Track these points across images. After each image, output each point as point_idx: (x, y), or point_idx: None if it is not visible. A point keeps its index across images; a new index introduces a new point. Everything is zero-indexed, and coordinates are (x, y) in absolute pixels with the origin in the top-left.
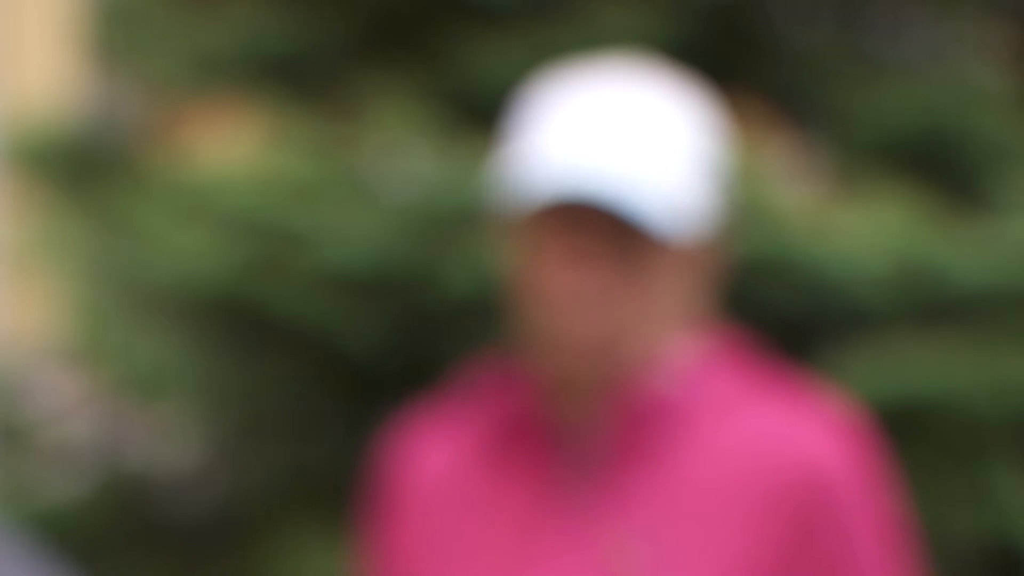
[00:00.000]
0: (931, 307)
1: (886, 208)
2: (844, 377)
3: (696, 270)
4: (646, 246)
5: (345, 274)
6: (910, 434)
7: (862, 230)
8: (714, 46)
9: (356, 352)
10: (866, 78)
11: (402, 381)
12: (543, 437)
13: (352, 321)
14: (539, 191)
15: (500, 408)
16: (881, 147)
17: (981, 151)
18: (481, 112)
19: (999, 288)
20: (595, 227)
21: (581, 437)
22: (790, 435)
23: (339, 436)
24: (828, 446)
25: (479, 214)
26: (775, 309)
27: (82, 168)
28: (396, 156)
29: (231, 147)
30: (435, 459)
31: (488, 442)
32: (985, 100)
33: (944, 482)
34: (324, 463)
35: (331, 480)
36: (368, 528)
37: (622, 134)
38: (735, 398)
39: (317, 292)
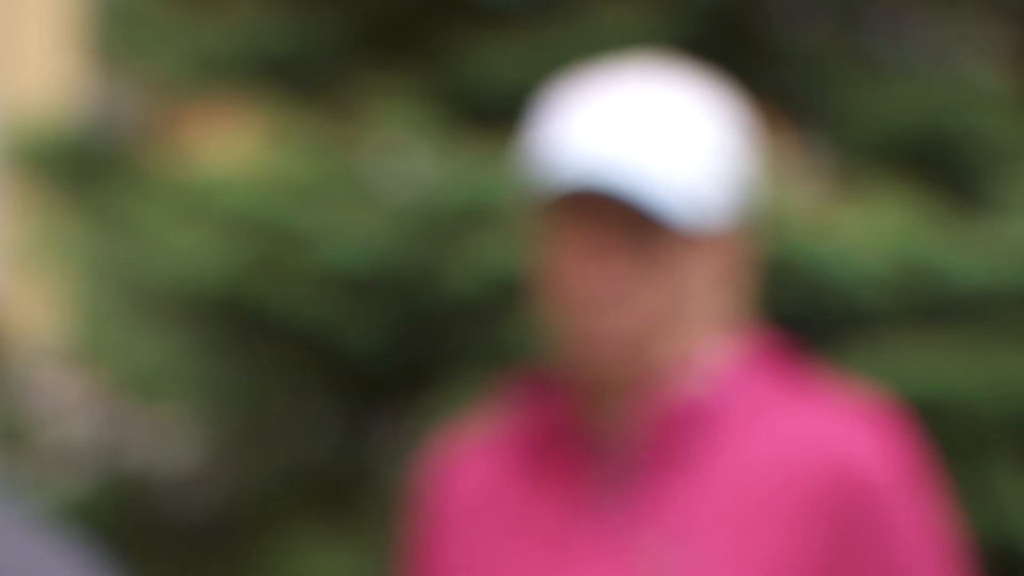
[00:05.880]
0: (931, 307)
1: (886, 208)
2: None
3: (724, 267)
4: (666, 239)
5: (345, 274)
6: None
7: (862, 230)
8: (714, 46)
9: (356, 352)
10: (866, 78)
11: (402, 381)
12: (578, 444)
13: (352, 321)
14: (555, 181)
15: (536, 419)
16: (881, 147)
17: (981, 151)
18: (481, 112)
19: (999, 288)
20: (613, 220)
21: (615, 442)
22: (827, 438)
23: (339, 436)
24: (867, 448)
25: (479, 214)
26: (775, 309)
27: (82, 168)
28: (396, 156)
29: (231, 147)
30: (474, 474)
31: (525, 454)
32: (985, 100)
33: (944, 482)
34: (324, 463)
35: (331, 480)
36: (408, 543)
37: (642, 127)
38: (771, 401)
39: (317, 292)
